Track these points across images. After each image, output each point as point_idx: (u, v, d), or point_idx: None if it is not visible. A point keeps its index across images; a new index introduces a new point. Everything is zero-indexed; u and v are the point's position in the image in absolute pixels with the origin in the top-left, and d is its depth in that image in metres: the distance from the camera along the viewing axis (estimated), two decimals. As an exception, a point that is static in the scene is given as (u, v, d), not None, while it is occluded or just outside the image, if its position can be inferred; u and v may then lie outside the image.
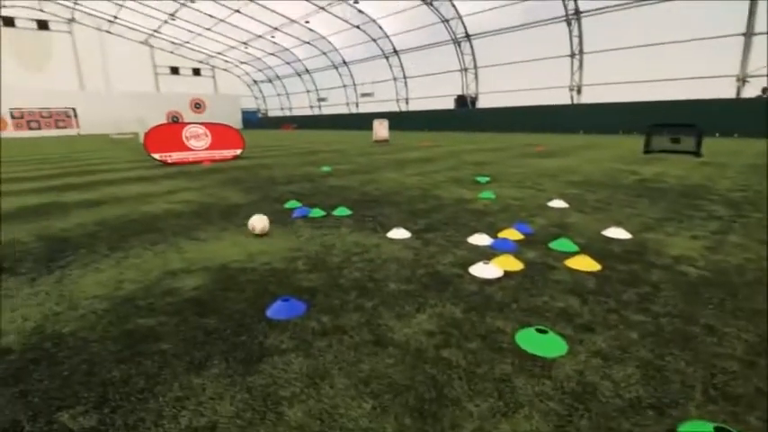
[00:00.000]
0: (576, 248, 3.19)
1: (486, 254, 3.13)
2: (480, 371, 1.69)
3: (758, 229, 3.79)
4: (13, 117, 40.17)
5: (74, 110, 43.62)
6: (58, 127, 42.96)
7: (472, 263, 2.89)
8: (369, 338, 1.95)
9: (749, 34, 19.55)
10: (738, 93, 20.76)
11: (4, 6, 39.03)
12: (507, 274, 2.71)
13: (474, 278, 2.66)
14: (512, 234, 3.55)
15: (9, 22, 40.40)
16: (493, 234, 3.60)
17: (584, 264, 2.83)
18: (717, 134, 19.64)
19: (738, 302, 2.31)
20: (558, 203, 4.89)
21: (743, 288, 2.51)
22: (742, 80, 20.41)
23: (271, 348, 1.88)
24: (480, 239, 3.41)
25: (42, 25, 42.28)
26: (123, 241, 3.64)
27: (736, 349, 1.85)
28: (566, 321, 2.09)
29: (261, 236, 3.74)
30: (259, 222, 3.78)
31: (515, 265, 2.81)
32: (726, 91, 20.93)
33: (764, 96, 20.02)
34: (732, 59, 20.37)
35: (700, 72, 21.38)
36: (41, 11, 41.07)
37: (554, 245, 3.29)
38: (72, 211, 5.01)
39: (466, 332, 1.99)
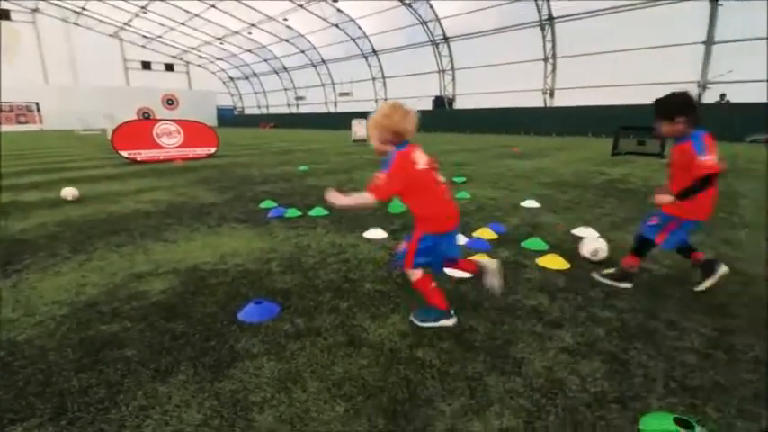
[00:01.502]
0: (546, 247, 3.26)
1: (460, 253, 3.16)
2: (453, 370, 1.70)
3: (718, 228, 3.98)
4: (-29, 111, 37.90)
5: (37, 104, 41.48)
6: (18, 122, 40.76)
7: (447, 263, 2.91)
8: (343, 340, 1.94)
9: (709, 43, 20.58)
10: (699, 98, 21.81)
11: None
12: (481, 273, 2.74)
13: (449, 277, 2.68)
14: (486, 234, 3.61)
15: (-36, 10, 38.13)
16: (468, 234, 3.64)
17: (554, 262, 2.90)
18: (680, 137, 20.52)
19: (698, 298, 2.42)
20: (530, 203, 5.00)
21: (702, 285, 2.63)
22: (703, 86, 21.45)
23: (241, 352, 1.83)
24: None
25: (3, 14, 40.04)
26: (87, 243, 3.48)
27: (694, 342, 1.94)
28: (536, 319, 2.14)
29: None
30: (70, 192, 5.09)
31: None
32: (688, 96, 21.92)
33: (722, 102, 21.14)
34: (694, 66, 21.40)
35: (664, 78, 22.35)
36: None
37: (526, 244, 3.36)
38: (32, 211, 4.76)
39: (439, 331, 2.00)
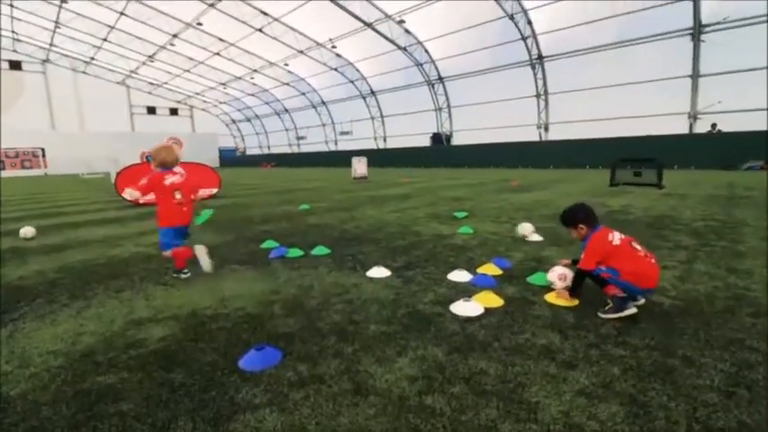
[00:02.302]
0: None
1: (466, 290, 3.11)
2: (465, 417, 1.62)
3: (723, 257, 3.94)
4: (-24, 157, 38.74)
5: (42, 150, 42.47)
6: (23, 167, 41.56)
7: (453, 300, 2.85)
8: (348, 387, 1.86)
9: (695, 76, 21.35)
10: (691, 129, 22.36)
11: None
12: (488, 310, 2.69)
13: (455, 317, 2.62)
14: (490, 269, 3.56)
15: (-22, 63, 39.89)
16: (472, 270, 3.60)
17: (561, 299, 2.84)
18: (675, 166, 20.87)
19: (711, 332, 2.35)
20: (533, 237, 4.98)
21: (714, 317, 2.56)
22: (693, 117, 22.04)
23: (242, 404, 1.75)
24: (460, 276, 3.40)
25: (14, 65, 41.87)
26: (86, 289, 3.43)
27: (714, 380, 1.86)
28: (548, 359, 2.06)
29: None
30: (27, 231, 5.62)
31: (496, 301, 2.80)
32: (680, 127, 22.54)
33: (713, 132, 21.64)
34: (684, 98, 22.11)
35: (655, 110, 23.05)
36: (15, 51, 40.79)
37: (532, 279, 3.31)
38: (32, 257, 4.73)
39: (449, 376, 1.92)
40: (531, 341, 2.27)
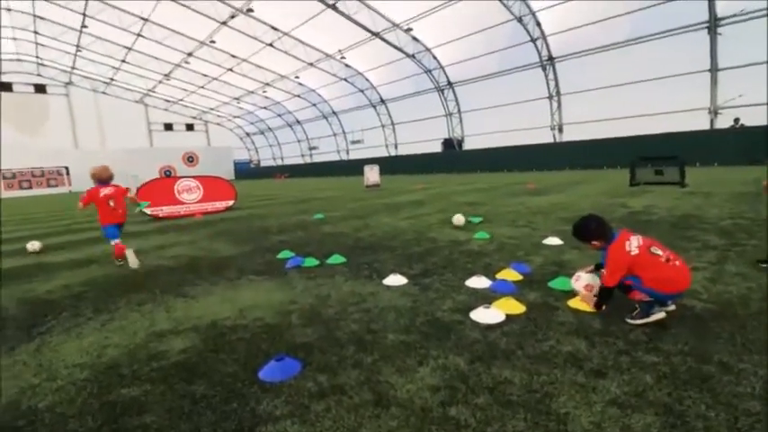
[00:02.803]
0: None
1: (485, 297, 3.05)
2: (491, 430, 1.57)
3: (755, 257, 3.78)
4: (4, 178, 40.32)
5: (66, 168, 43.98)
6: (49, 185, 43.07)
7: (472, 308, 2.80)
8: (369, 398, 1.82)
9: (714, 70, 20.82)
10: (712, 124, 21.74)
11: (4, 73, 40.47)
12: (509, 317, 2.62)
13: (476, 324, 2.57)
14: (510, 275, 3.49)
15: (7, 87, 41.71)
16: (491, 276, 3.53)
17: (585, 303, 2.76)
18: (697, 163, 20.28)
19: (748, 335, 2.24)
20: (553, 240, 4.88)
21: (750, 320, 2.45)
22: (714, 112, 21.44)
23: (264, 415, 1.74)
24: (479, 282, 3.34)
25: (40, 89, 43.66)
26: (110, 302, 3.50)
27: (755, 387, 1.76)
28: (576, 367, 1.99)
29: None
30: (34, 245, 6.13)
31: (517, 308, 2.73)
32: (701, 123, 21.94)
33: (736, 126, 20.98)
34: (703, 93, 21.54)
35: (674, 106, 22.50)
36: (39, 75, 42.57)
37: (554, 284, 3.22)
38: (57, 272, 4.86)
39: (472, 385, 1.87)
40: (556, 348, 2.20)
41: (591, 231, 2.69)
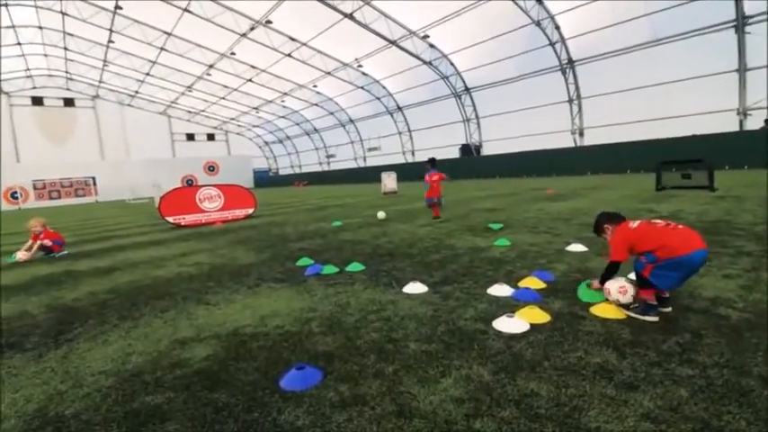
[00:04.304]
0: (601, 297, 2.96)
1: (508, 305, 2.98)
2: (518, 444, 1.51)
3: (794, 264, 3.58)
4: (35, 188, 42.13)
5: (93, 178, 45.68)
6: (77, 195, 44.77)
7: (495, 316, 2.73)
8: (391, 409, 1.79)
9: (742, 70, 20.12)
10: (741, 126, 20.96)
11: (35, 88, 42.53)
12: (534, 327, 2.55)
13: (499, 333, 2.50)
14: (533, 282, 3.40)
15: (38, 101, 43.79)
16: (513, 283, 3.45)
17: (611, 311, 2.66)
18: (726, 167, 19.55)
19: (792, 348, 2.11)
20: (576, 247, 4.75)
21: (793, 331, 2.31)
22: (743, 113, 20.68)
23: (285, 426, 1.72)
24: (501, 290, 3.26)
25: (68, 102, 45.65)
26: (134, 309, 3.57)
27: (801, 404, 1.65)
28: (606, 380, 1.91)
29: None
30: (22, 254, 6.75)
31: (541, 317, 2.65)
32: (729, 125, 21.17)
33: (768, 128, 20.13)
34: (731, 94, 20.81)
35: (701, 108, 21.80)
36: (68, 89, 44.53)
37: (581, 293, 3.09)
38: (84, 279, 5.01)
39: (497, 397, 1.82)
40: (584, 360, 2.11)
41: (602, 219, 2.94)
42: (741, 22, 19.29)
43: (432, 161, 8.42)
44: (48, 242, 6.92)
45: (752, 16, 19.05)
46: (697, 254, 2.49)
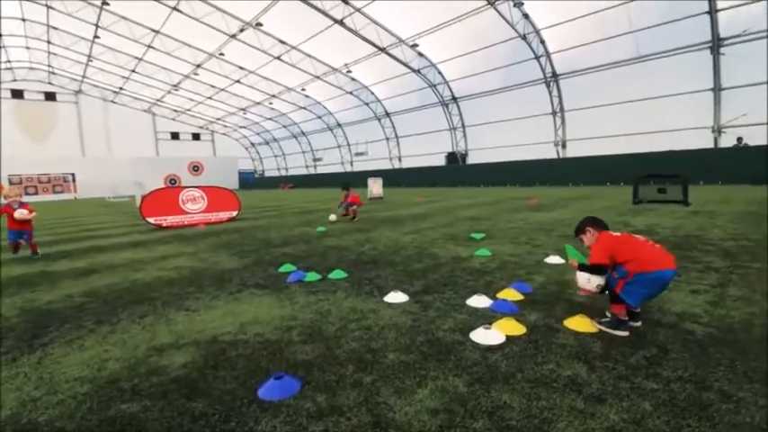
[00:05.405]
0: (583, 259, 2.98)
1: (486, 317, 3.06)
2: (489, 455, 1.57)
3: (758, 280, 3.76)
4: (10, 183, 40.76)
5: (72, 175, 44.44)
6: (55, 192, 43.47)
7: (473, 328, 2.80)
8: (367, 420, 1.82)
9: (717, 89, 20.95)
10: (716, 143, 21.79)
11: (15, 80, 41.29)
12: (510, 338, 2.62)
13: (476, 345, 2.56)
14: (511, 294, 3.49)
15: (18, 94, 42.51)
16: (492, 294, 3.53)
17: (583, 325, 2.76)
18: (701, 182, 20.27)
19: (749, 363, 2.23)
20: (554, 259, 4.88)
21: (752, 346, 2.44)
22: (718, 131, 21.51)
23: (262, 436, 1.74)
24: (480, 301, 3.34)
25: (50, 96, 44.44)
26: (111, 314, 3.52)
27: (754, 417, 1.76)
28: (575, 392, 1.99)
29: None
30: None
31: (517, 329, 2.73)
32: (704, 142, 22.00)
33: (740, 145, 21.01)
34: (707, 112, 21.64)
35: (679, 124, 22.60)
36: (50, 83, 43.38)
37: (570, 253, 3.11)
38: (60, 281, 4.89)
39: (471, 409, 1.87)
40: (556, 372, 2.19)
41: (587, 222, 3.01)
42: (716, 43, 20.14)
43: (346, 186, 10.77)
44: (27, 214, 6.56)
45: (726, 38, 19.92)
46: (665, 273, 2.62)
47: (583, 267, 2.85)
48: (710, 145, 21.85)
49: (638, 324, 2.78)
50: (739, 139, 21.12)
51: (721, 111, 21.21)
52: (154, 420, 1.89)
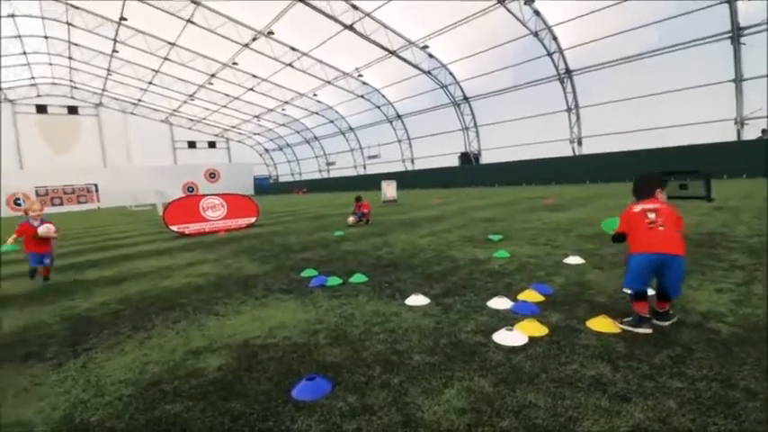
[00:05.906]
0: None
1: (507, 318, 3.10)
2: (517, 452, 1.63)
3: (784, 277, 3.71)
4: (37, 195, 42.33)
5: (95, 185, 45.93)
6: (79, 202, 45.00)
7: (495, 329, 2.86)
8: (398, 419, 1.91)
9: (738, 80, 20.39)
10: (739, 135, 21.18)
11: (39, 96, 42.95)
12: (532, 340, 2.67)
13: (499, 346, 2.62)
14: (531, 296, 3.53)
15: (42, 109, 44.20)
16: (512, 296, 3.57)
17: (606, 325, 2.78)
18: (725, 176, 19.72)
19: (777, 361, 2.23)
20: (574, 260, 4.87)
21: (779, 345, 2.43)
22: (740, 123, 20.91)
23: (299, 434, 1.84)
24: (500, 303, 3.39)
25: (72, 110, 46.08)
26: (146, 320, 3.69)
27: (783, 415, 1.77)
28: (600, 392, 2.03)
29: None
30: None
31: (539, 330, 2.78)
32: (727, 134, 21.40)
33: (765, 137, 20.36)
34: (729, 104, 21.05)
35: (699, 118, 22.04)
36: (72, 98, 44.97)
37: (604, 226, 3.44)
38: (94, 289, 5.12)
39: (497, 408, 1.94)
40: (579, 372, 2.24)
41: (634, 187, 3.06)
42: (736, 33, 19.62)
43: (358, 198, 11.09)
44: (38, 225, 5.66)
45: (746, 27, 19.39)
46: (649, 256, 2.71)
47: (613, 238, 3.08)
48: (733, 138, 21.26)
49: (666, 323, 2.77)
50: (764, 131, 20.48)
51: (744, 102, 20.63)
52: (196, 420, 2.01)
